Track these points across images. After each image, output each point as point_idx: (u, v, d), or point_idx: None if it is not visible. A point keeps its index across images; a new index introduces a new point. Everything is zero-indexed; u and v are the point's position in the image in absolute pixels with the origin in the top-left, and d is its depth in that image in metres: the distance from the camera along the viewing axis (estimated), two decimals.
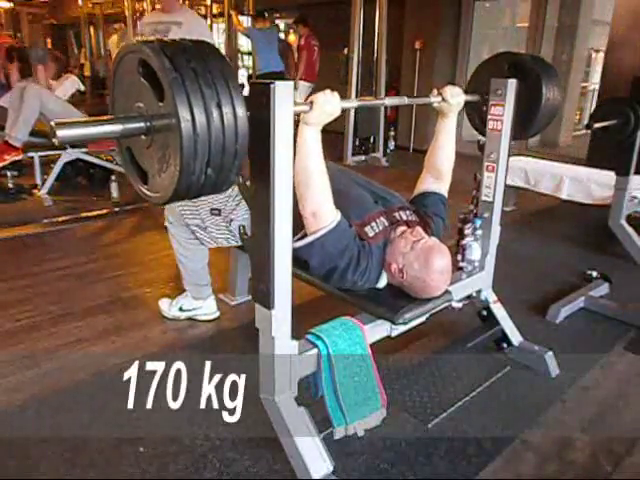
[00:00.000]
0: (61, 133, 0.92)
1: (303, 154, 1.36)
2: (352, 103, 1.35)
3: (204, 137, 0.92)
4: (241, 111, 0.97)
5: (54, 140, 0.92)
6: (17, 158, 3.92)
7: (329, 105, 1.31)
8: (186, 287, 2.22)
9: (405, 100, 1.45)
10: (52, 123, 0.92)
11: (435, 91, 1.65)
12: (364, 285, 1.57)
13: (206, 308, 2.25)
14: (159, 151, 1.00)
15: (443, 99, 1.64)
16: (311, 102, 1.29)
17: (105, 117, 1.00)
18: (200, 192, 1.02)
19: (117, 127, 0.98)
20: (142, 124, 0.98)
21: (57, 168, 4.10)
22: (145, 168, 1.08)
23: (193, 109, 0.90)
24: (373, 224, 1.57)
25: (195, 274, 2.18)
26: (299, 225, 1.41)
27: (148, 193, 1.09)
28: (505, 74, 1.76)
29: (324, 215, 1.43)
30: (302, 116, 1.30)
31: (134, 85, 1.00)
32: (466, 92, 1.74)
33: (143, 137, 1.02)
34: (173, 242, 2.14)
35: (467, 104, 1.78)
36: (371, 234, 1.55)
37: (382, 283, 1.62)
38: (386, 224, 1.60)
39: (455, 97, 1.65)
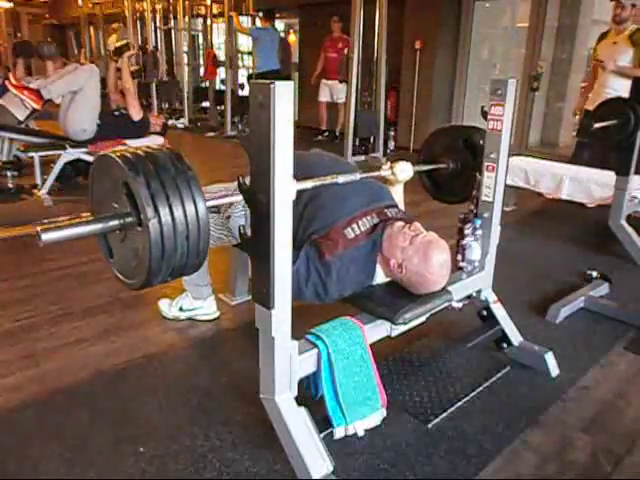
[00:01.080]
0: (46, 237, 1.01)
1: None
2: (307, 185, 1.43)
3: (170, 260, 1.08)
4: (205, 237, 1.11)
5: (39, 243, 1.00)
6: (36, 107, 4.03)
7: None
8: (186, 287, 2.22)
9: (357, 175, 1.57)
10: (38, 229, 1.00)
11: (388, 164, 1.81)
12: (354, 287, 1.57)
13: (206, 308, 2.25)
14: (131, 251, 1.14)
15: (393, 173, 1.78)
16: None
17: (85, 219, 1.12)
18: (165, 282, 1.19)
19: (97, 226, 1.11)
20: (117, 222, 1.11)
21: (57, 168, 4.09)
22: (119, 256, 1.22)
23: (164, 240, 1.05)
24: (354, 225, 1.58)
25: (195, 275, 2.17)
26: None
27: (121, 277, 1.22)
28: (457, 147, 1.96)
29: None
30: None
31: (114, 189, 1.10)
32: (418, 162, 1.98)
33: (118, 232, 1.16)
34: None
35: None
36: (350, 236, 1.56)
37: (377, 279, 1.63)
38: (368, 224, 1.60)
39: (404, 172, 1.81)
